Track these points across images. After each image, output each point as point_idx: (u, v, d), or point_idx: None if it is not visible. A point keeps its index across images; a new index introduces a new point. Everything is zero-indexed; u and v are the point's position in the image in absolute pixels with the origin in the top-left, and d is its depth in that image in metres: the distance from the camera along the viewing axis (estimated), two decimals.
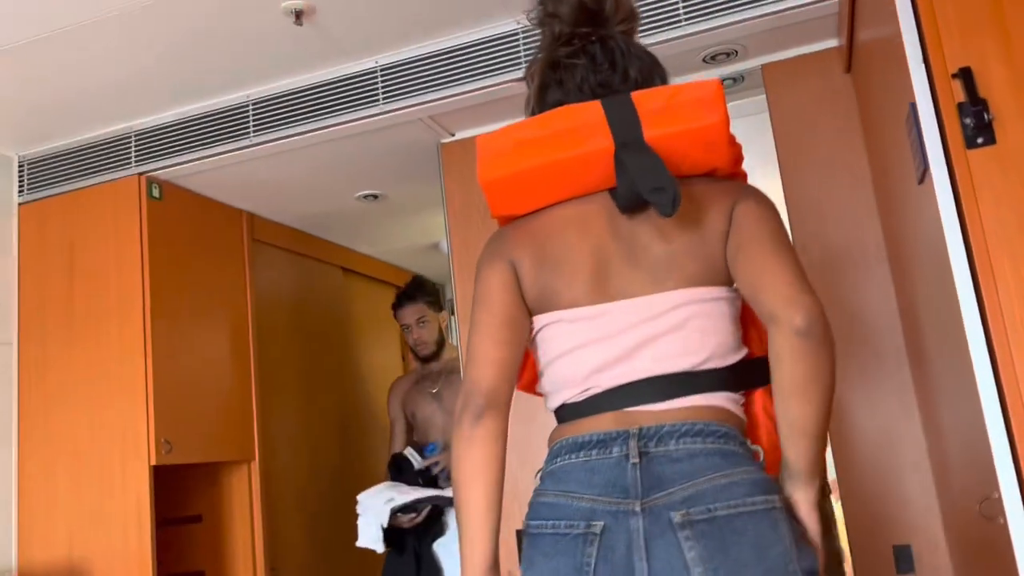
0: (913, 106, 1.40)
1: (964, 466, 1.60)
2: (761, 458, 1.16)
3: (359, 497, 2.75)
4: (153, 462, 2.53)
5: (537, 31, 1.33)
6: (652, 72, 1.28)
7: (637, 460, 1.11)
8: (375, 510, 2.69)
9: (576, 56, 1.26)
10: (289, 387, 3.36)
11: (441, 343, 3.12)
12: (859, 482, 2.12)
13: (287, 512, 3.20)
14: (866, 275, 2.20)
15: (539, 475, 1.23)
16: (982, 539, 1.49)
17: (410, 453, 2.93)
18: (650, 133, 1.15)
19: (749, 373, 1.20)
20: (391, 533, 2.77)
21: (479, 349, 1.21)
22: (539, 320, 1.24)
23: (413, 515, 2.75)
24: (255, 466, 2.96)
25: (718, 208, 1.19)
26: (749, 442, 1.17)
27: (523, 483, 2.47)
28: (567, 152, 1.17)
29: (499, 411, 1.20)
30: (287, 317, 3.45)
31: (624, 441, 1.12)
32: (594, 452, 1.14)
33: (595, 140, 1.16)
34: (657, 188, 1.11)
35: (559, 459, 1.17)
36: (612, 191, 1.20)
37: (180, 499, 2.99)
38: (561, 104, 1.24)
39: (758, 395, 1.21)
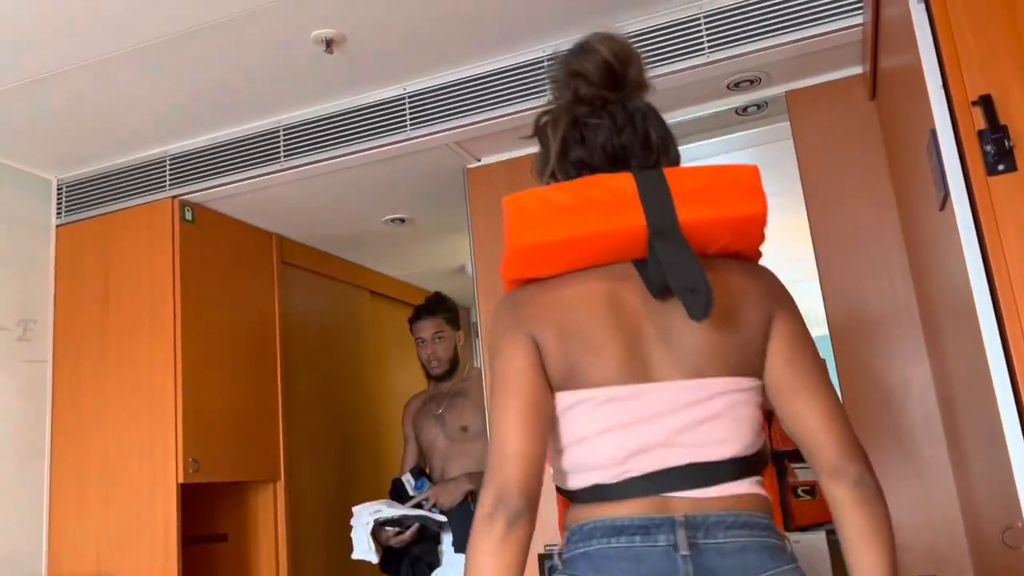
0: (933, 133, 1.41)
1: (989, 495, 1.58)
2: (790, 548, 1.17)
3: (353, 509, 2.71)
4: (180, 480, 2.57)
5: (558, 80, 1.29)
6: (669, 137, 1.28)
7: (688, 552, 1.08)
8: (363, 520, 2.65)
9: (599, 116, 1.24)
10: (315, 407, 3.40)
11: (455, 363, 3.01)
12: None
13: (312, 532, 3.22)
14: (892, 302, 2.18)
15: (561, 555, 1.18)
16: (1006, 569, 1.47)
17: (407, 479, 2.87)
18: (685, 216, 1.13)
19: (764, 455, 1.21)
20: (387, 560, 2.74)
21: (509, 442, 1.13)
22: (564, 398, 1.17)
23: (397, 530, 2.68)
24: (280, 486, 2.99)
25: (757, 309, 1.18)
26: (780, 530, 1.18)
27: (544, 505, 2.47)
28: (600, 225, 1.14)
29: (533, 513, 1.14)
30: (314, 338, 3.49)
31: (670, 529, 1.10)
32: (637, 538, 1.10)
33: (628, 217, 1.13)
34: (689, 289, 1.09)
35: (594, 542, 1.12)
36: (640, 264, 1.17)
37: (206, 518, 3.02)
38: (583, 163, 1.23)
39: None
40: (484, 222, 2.71)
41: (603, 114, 1.24)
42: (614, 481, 1.13)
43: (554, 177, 1.26)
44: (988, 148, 1.35)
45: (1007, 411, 1.29)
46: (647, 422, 1.13)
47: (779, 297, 1.22)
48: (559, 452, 1.19)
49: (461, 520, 2.67)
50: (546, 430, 1.16)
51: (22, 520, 2.65)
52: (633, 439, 1.13)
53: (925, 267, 1.89)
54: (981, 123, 1.36)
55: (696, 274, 1.10)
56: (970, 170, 1.36)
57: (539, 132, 1.31)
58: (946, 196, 1.40)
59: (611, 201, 1.14)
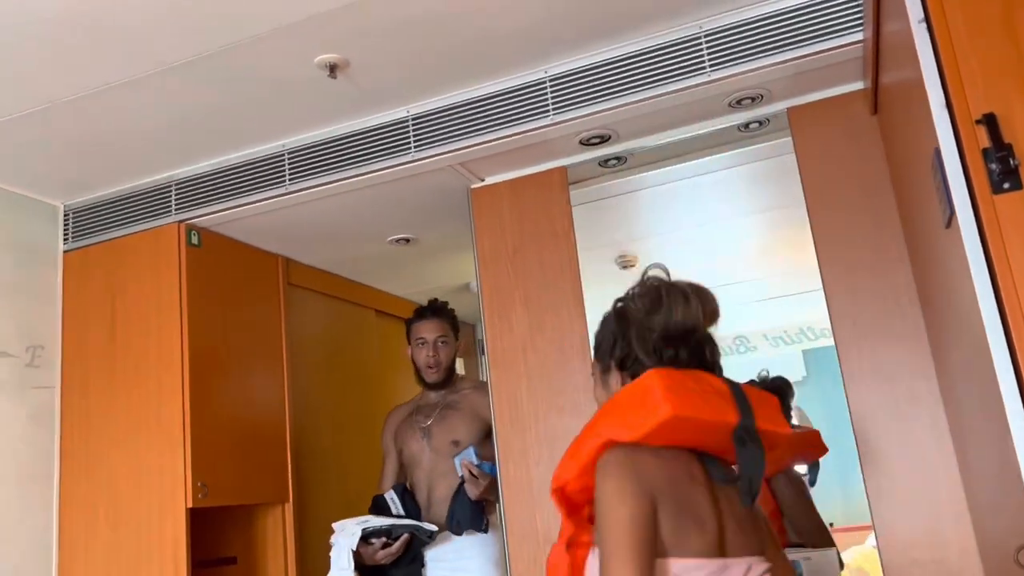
0: (937, 151, 1.41)
1: (1001, 513, 1.57)
2: None
3: (334, 525, 2.58)
4: (189, 505, 2.57)
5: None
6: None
7: None
8: (348, 532, 2.50)
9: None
10: (323, 429, 3.40)
11: (451, 372, 2.88)
12: (897, 529, 2.09)
13: (321, 553, 3.20)
14: (898, 318, 2.18)
15: None
16: None
17: (390, 497, 2.72)
18: (761, 423, 1.33)
19: None
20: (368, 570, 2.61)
21: None
22: (673, 565, 1.26)
23: (384, 541, 2.54)
24: (289, 507, 2.99)
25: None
26: None
27: (554, 528, 2.47)
28: (713, 415, 1.31)
29: None
30: (321, 359, 3.49)
31: None
32: None
33: (728, 413, 1.32)
34: (751, 481, 1.31)
35: None
36: (703, 456, 1.36)
37: (215, 541, 3.02)
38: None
39: None
40: (488, 241, 2.72)
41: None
42: None
43: (634, 373, 1.40)
44: (993, 166, 1.35)
45: (1018, 429, 1.29)
46: None
47: None
48: None
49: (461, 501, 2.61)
50: None
51: (31, 546, 2.65)
52: None
53: (931, 283, 1.90)
54: (985, 141, 1.36)
55: (761, 470, 1.31)
56: (975, 188, 1.36)
57: (620, 323, 1.46)
58: (952, 214, 1.40)
59: (720, 396, 1.33)
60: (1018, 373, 1.31)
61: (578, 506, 1.38)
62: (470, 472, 2.59)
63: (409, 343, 2.90)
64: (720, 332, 1.55)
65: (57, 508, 2.74)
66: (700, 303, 1.43)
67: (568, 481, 1.35)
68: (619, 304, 1.49)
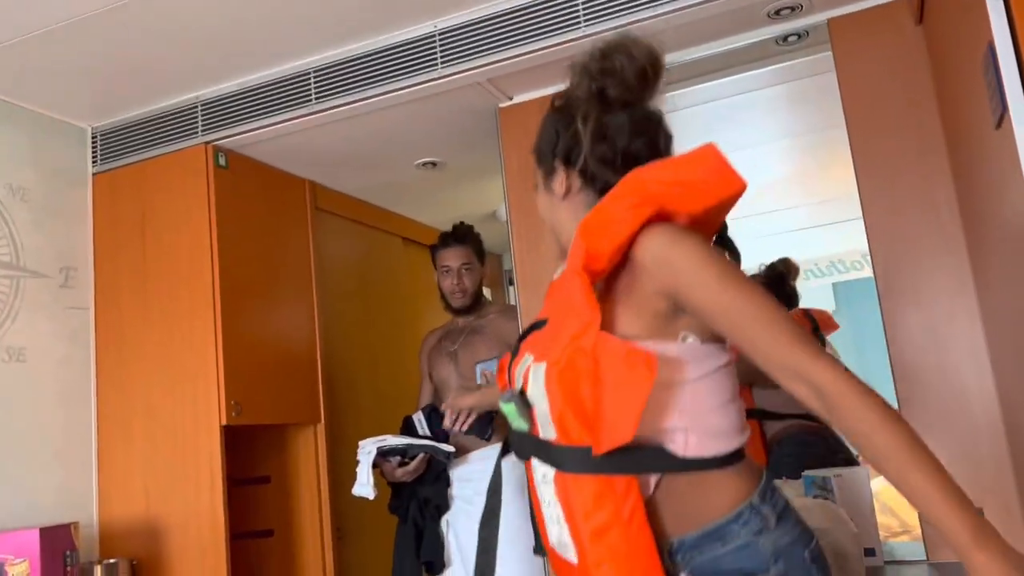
0: (991, 46, 1.35)
1: None
2: None
3: (359, 443, 2.57)
4: (223, 423, 2.61)
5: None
6: (670, 142, 1.36)
7: None
8: (367, 450, 2.51)
9: (619, 117, 1.29)
10: (352, 352, 3.43)
11: (478, 297, 2.88)
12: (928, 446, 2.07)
13: (352, 474, 3.27)
14: (939, 237, 2.13)
15: (776, 506, 1.18)
16: None
17: (417, 418, 2.74)
18: None
19: None
20: (395, 499, 2.64)
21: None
22: (721, 353, 1.19)
23: (401, 459, 2.54)
24: (320, 428, 3.03)
25: None
26: None
27: None
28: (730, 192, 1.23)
29: None
30: (350, 284, 3.51)
31: None
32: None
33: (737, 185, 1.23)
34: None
35: (778, 494, 1.21)
36: None
37: (250, 460, 3.08)
38: (606, 161, 1.28)
39: None
40: (517, 164, 2.68)
41: (623, 116, 1.27)
42: (741, 445, 1.20)
43: (584, 167, 1.29)
44: None
45: None
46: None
47: None
48: (713, 409, 1.17)
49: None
50: None
51: (72, 463, 2.72)
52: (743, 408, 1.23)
53: (976, 193, 1.84)
54: None
55: None
56: None
57: (559, 114, 1.33)
58: (1004, 111, 1.34)
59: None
60: None
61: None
62: (488, 382, 2.62)
63: (436, 269, 2.91)
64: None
65: (96, 426, 2.80)
66: (650, 65, 1.28)
67: (601, 263, 1.16)
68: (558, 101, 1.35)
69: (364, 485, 2.46)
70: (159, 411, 2.71)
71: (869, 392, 1.03)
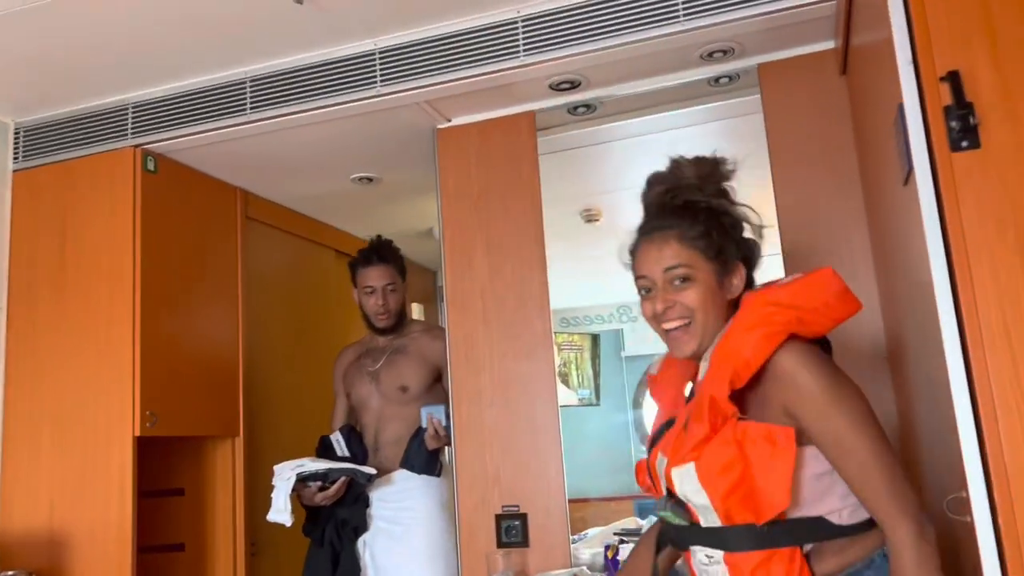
0: (901, 107, 1.42)
1: (934, 464, 1.62)
2: None
3: (275, 467, 2.54)
4: (137, 433, 2.54)
5: None
6: None
7: None
8: (284, 476, 2.47)
9: None
10: (277, 366, 3.38)
11: (401, 317, 2.80)
12: None
13: (269, 489, 3.21)
14: (852, 274, 2.21)
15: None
16: (947, 536, 1.51)
17: (336, 439, 2.70)
18: None
19: None
20: (311, 522, 2.62)
21: (905, 476, 1.32)
22: None
23: (322, 484, 2.50)
24: (239, 442, 2.98)
25: None
26: None
27: (503, 469, 2.50)
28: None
29: None
30: (278, 296, 3.46)
31: None
32: None
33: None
34: None
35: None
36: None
37: (163, 472, 3.00)
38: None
39: None
40: (453, 182, 2.70)
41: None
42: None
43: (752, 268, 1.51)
44: (953, 124, 1.36)
45: (957, 382, 1.32)
46: None
47: None
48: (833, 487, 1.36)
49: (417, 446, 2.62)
50: None
51: None
52: None
53: (886, 241, 1.92)
54: (948, 99, 1.37)
55: None
56: (935, 145, 1.38)
57: (729, 216, 1.50)
58: (910, 171, 1.41)
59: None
60: (962, 329, 1.33)
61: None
62: (435, 430, 2.59)
63: (355, 286, 2.81)
64: None
65: (2, 429, 2.69)
66: None
67: (741, 380, 1.35)
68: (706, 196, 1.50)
69: (281, 511, 2.43)
70: (70, 419, 2.62)
71: (927, 565, 1.25)
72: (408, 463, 2.64)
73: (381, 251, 2.78)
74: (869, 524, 1.36)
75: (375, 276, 2.75)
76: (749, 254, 1.50)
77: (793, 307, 1.35)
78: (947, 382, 1.33)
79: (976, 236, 1.34)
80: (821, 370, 1.32)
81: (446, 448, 2.65)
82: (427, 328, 2.89)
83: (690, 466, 1.34)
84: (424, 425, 2.63)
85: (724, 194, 1.51)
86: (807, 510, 1.34)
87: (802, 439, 1.33)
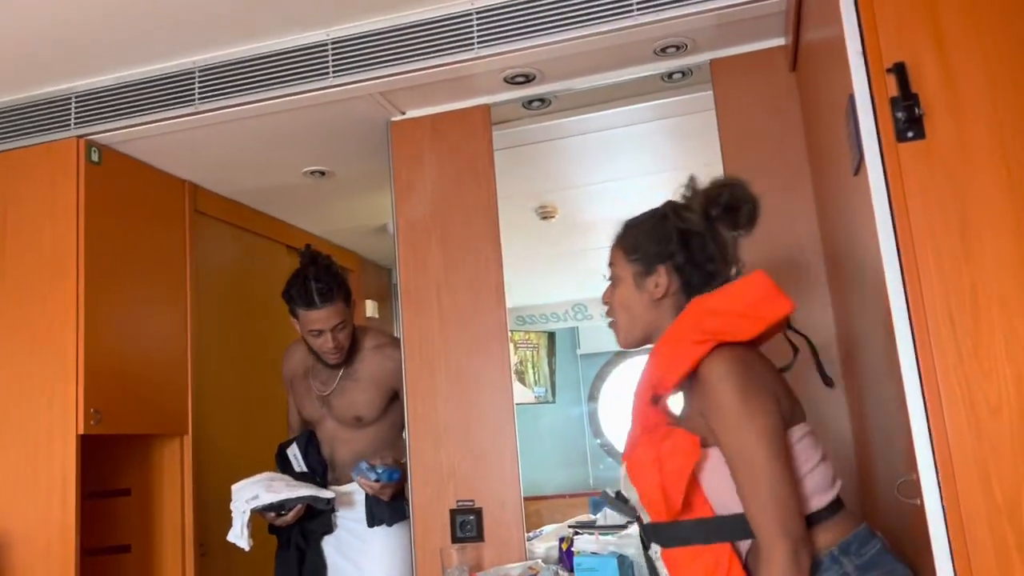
0: (851, 98, 1.45)
1: (885, 450, 1.65)
2: None
3: (232, 488, 2.45)
4: (80, 432, 2.47)
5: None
6: None
7: None
8: (240, 509, 2.39)
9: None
10: (227, 362, 3.31)
11: (353, 343, 2.58)
12: None
13: (219, 488, 3.14)
14: (803, 267, 2.25)
15: (862, 557, 1.37)
16: (898, 519, 1.54)
17: (293, 455, 2.60)
18: None
19: None
20: (274, 527, 2.55)
21: (794, 500, 1.34)
22: (793, 432, 1.42)
23: (280, 512, 2.41)
24: (188, 440, 2.91)
25: None
26: None
27: (458, 464, 2.48)
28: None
29: None
30: (228, 292, 3.39)
31: None
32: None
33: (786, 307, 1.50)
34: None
35: (870, 544, 1.40)
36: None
37: (109, 471, 2.92)
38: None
39: None
40: (407, 175, 2.67)
41: (725, 241, 1.57)
42: (835, 498, 1.43)
43: (689, 278, 1.53)
44: (899, 115, 1.39)
45: (908, 367, 1.35)
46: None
47: None
48: (802, 480, 1.40)
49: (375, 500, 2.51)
50: None
51: None
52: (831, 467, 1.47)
53: (836, 232, 1.96)
54: (894, 90, 1.40)
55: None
56: (882, 136, 1.41)
57: (681, 223, 1.54)
58: (860, 160, 1.44)
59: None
60: (911, 317, 1.36)
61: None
62: (372, 488, 2.45)
63: (296, 321, 2.51)
64: None
65: None
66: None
67: (666, 388, 1.45)
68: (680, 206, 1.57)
69: (239, 536, 2.38)
70: (10, 417, 2.54)
71: None
72: (374, 521, 2.52)
73: (323, 288, 2.43)
74: (812, 519, 1.38)
75: (321, 319, 2.44)
76: (682, 259, 1.52)
77: (722, 312, 1.41)
78: (897, 368, 1.36)
79: (921, 225, 1.37)
80: (737, 384, 1.36)
81: (406, 487, 2.52)
82: (378, 345, 2.64)
83: (624, 466, 1.47)
84: (355, 477, 2.48)
85: (708, 216, 1.55)
86: (737, 508, 1.38)
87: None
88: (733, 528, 1.38)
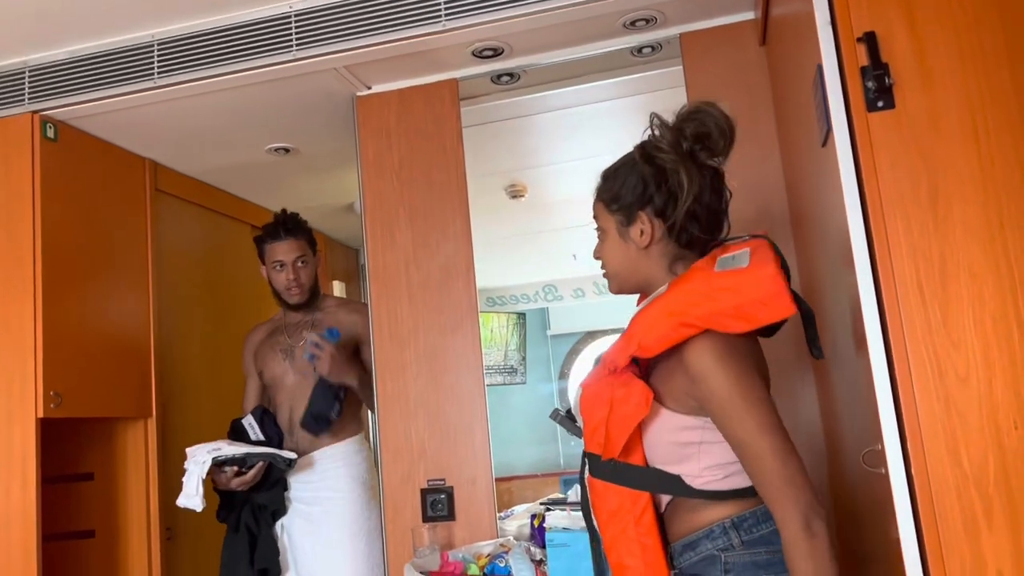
0: (820, 68, 1.44)
1: (852, 420, 1.66)
2: None
3: (187, 450, 2.42)
4: (40, 415, 2.41)
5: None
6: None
7: None
8: (198, 459, 2.36)
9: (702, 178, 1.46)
10: (191, 344, 3.26)
11: (315, 291, 2.71)
12: None
13: (183, 472, 3.10)
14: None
15: (751, 533, 1.36)
16: (865, 488, 1.55)
17: (248, 423, 2.59)
18: None
19: None
20: (225, 508, 2.54)
21: (796, 458, 1.30)
22: None
23: (237, 468, 2.41)
24: (152, 423, 2.86)
25: None
26: None
27: (429, 443, 2.47)
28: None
29: None
30: (192, 272, 3.33)
31: None
32: None
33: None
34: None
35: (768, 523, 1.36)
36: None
37: (71, 456, 2.86)
38: (696, 217, 1.46)
39: None
40: (374, 151, 2.63)
41: (708, 175, 1.45)
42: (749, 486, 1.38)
43: (673, 221, 1.43)
44: (869, 84, 1.39)
45: (873, 338, 1.35)
46: None
47: None
48: (730, 463, 1.37)
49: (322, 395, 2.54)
50: None
51: None
52: None
53: (804, 204, 1.96)
54: (864, 59, 1.40)
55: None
56: (852, 106, 1.40)
57: (650, 167, 1.44)
58: (828, 131, 1.44)
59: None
60: (878, 288, 1.36)
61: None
62: (316, 346, 2.49)
63: (263, 263, 2.70)
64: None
65: None
66: (731, 137, 1.48)
67: (647, 354, 1.38)
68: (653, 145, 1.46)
69: (192, 496, 2.32)
70: None
71: (814, 556, 1.25)
72: (309, 416, 2.56)
73: (288, 224, 2.66)
74: (724, 496, 1.37)
75: (284, 250, 2.64)
76: (661, 201, 1.43)
77: (720, 304, 1.33)
78: (863, 338, 1.36)
79: (891, 194, 1.37)
80: (731, 372, 1.31)
81: (369, 413, 2.59)
82: (343, 302, 2.83)
83: (578, 390, 1.48)
84: (306, 355, 2.53)
85: (694, 157, 1.45)
86: (666, 467, 1.39)
87: (687, 410, 1.38)
88: (661, 483, 1.39)
